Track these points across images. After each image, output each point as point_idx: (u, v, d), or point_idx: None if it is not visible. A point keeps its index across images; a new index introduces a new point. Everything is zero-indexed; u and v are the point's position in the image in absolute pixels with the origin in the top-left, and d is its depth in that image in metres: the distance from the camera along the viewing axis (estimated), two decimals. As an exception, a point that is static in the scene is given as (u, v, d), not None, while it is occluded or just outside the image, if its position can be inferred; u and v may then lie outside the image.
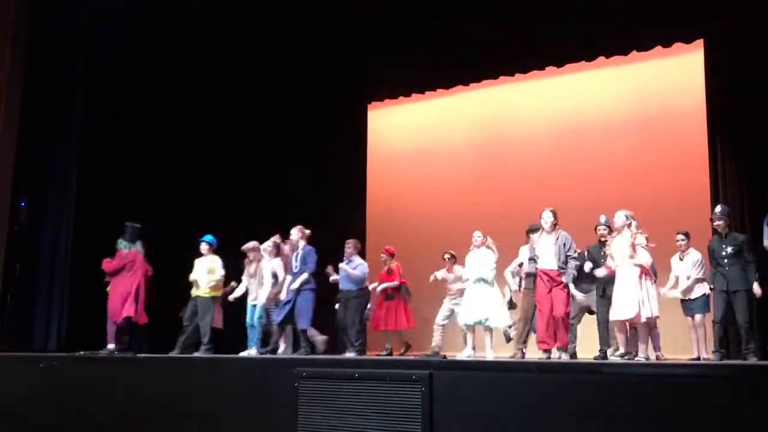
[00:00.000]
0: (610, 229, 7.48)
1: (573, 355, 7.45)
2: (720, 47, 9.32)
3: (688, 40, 9.63)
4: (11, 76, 10.19)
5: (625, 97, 10.86)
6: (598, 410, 4.80)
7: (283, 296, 8.47)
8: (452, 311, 8.39)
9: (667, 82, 10.38)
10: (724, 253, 7.27)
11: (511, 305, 8.46)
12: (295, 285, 8.30)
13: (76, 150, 10.61)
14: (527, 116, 11.61)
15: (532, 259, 7.39)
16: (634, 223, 7.10)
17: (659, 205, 9.38)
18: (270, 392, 6.26)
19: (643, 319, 6.86)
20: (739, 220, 8.66)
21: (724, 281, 7.22)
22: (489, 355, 7.65)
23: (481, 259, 7.93)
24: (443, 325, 8.25)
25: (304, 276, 8.29)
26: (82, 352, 8.41)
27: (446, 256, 8.72)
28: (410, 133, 12.68)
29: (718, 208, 7.56)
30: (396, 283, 9.10)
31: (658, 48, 9.82)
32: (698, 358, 7.58)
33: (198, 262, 8.99)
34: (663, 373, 4.92)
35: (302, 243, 8.48)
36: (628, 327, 7.12)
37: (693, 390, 4.62)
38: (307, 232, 8.55)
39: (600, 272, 7.29)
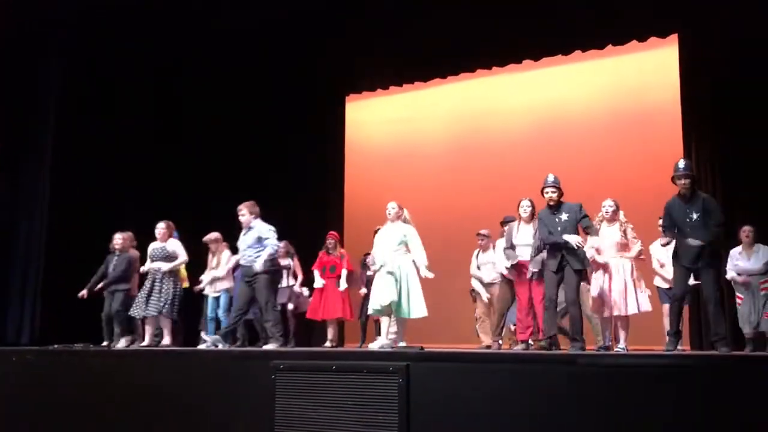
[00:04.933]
0: (560, 191, 6.66)
1: (550, 346, 7.11)
2: (694, 42, 9.43)
3: (663, 34, 9.73)
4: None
5: (602, 91, 10.96)
6: (574, 401, 4.84)
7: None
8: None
9: (643, 77, 10.49)
10: (688, 219, 6.17)
11: (474, 298, 8.46)
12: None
13: (51, 144, 10.44)
14: (504, 109, 11.67)
15: (511, 248, 7.20)
16: (622, 213, 6.94)
17: (634, 198, 9.39)
18: (247, 385, 6.24)
19: (635, 312, 6.71)
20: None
21: (689, 255, 6.12)
22: (379, 342, 7.02)
23: (396, 235, 7.08)
24: None
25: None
26: (56, 346, 8.31)
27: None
28: (388, 125, 12.69)
29: (681, 163, 6.34)
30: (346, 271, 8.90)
31: (634, 42, 9.91)
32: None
33: None
34: (637, 364, 4.97)
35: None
36: (612, 319, 6.98)
37: (666, 381, 4.67)
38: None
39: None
